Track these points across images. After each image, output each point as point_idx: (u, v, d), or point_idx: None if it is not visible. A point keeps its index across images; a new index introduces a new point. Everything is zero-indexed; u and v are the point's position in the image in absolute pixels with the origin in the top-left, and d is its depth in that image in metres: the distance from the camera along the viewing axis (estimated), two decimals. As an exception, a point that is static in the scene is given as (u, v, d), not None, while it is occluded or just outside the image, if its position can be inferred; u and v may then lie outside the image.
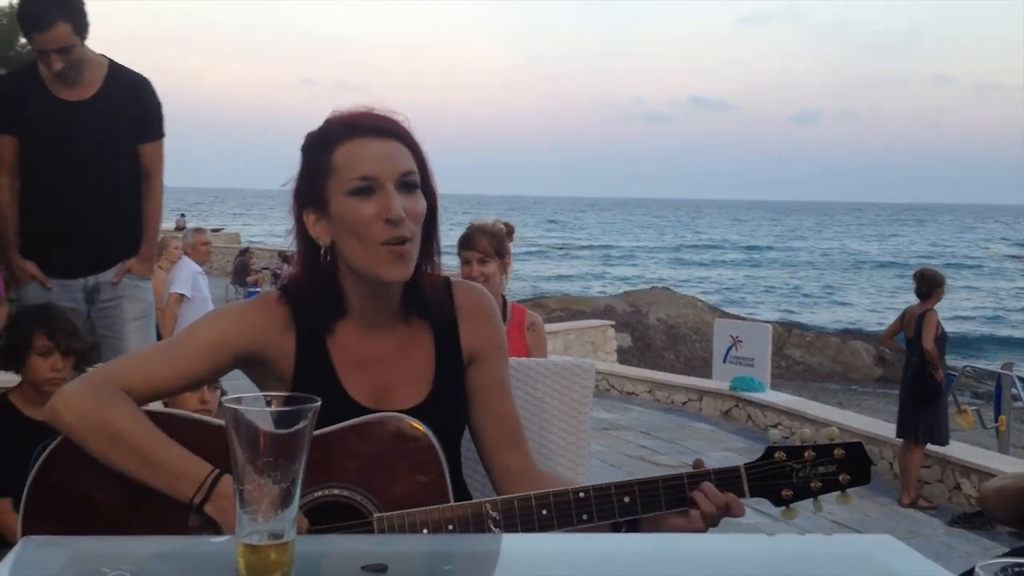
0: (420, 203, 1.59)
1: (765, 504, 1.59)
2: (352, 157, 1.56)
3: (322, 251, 1.60)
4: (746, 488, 1.55)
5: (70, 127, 3.58)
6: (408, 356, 1.68)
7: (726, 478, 1.55)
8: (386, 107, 1.63)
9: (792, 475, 1.55)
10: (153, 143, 3.77)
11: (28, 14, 3.46)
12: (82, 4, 3.50)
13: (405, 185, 1.57)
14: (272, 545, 1.01)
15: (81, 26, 3.49)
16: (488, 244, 3.62)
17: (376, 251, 1.55)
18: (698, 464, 1.59)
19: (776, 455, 1.56)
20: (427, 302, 1.67)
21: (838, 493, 1.56)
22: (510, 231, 3.81)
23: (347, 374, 1.64)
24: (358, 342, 1.66)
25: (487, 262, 3.61)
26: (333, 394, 1.61)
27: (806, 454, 1.56)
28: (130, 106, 3.67)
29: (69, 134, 3.58)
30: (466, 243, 3.67)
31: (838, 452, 1.56)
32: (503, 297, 3.72)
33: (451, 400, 1.69)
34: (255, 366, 1.66)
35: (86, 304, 3.71)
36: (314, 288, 1.62)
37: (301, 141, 1.65)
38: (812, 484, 1.55)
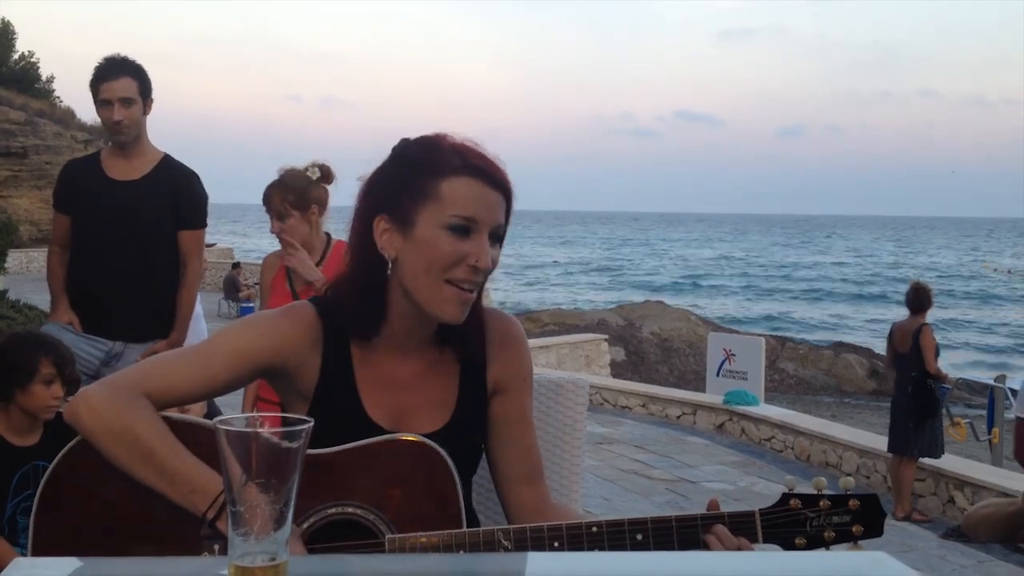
0: (498, 255, 1.58)
1: None
2: (461, 193, 1.53)
3: (388, 265, 1.57)
4: (760, 534, 1.54)
5: (115, 204, 3.81)
6: (432, 381, 1.66)
7: (740, 522, 1.54)
8: (496, 155, 1.59)
9: (806, 523, 1.54)
10: (193, 232, 3.97)
11: (101, 68, 3.77)
12: (148, 77, 3.84)
13: (494, 236, 1.57)
14: (265, 567, 1.00)
15: (144, 90, 3.82)
16: (280, 201, 3.50)
17: (440, 287, 1.54)
18: (713, 505, 1.57)
19: (791, 502, 1.55)
20: (460, 329, 1.63)
21: (850, 544, 1.55)
22: (326, 174, 3.58)
23: (368, 394, 1.62)
24: (384, 362, 1.64)
25: (285, 218, 3.50)
26: (352, 413, 1.60)
27: (821, 503, 1.55)
28: (175, 193, 3.90)
29: (114, 211, 3.81)
30: (263, 200, 3.57)
31: (853, 503, 1.55)
32: (326, 235, 3.62)
33: (470, 429, 1.67)
34: (278, 378, 1.64)
35: (101, 364, 3.84)
36: (360, 294, 1.59)
37: (395, 142, 1.61)
38: (825, 534, 1.54)
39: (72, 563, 1.31)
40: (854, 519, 1.55)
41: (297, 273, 3.52)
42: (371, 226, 1.57)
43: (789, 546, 1.54)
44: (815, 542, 1.54)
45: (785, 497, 1.56)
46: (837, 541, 1.54)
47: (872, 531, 1.55)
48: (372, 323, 1.61)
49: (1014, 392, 9.23)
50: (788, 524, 1.54)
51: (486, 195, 1.55)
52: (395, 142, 1.64)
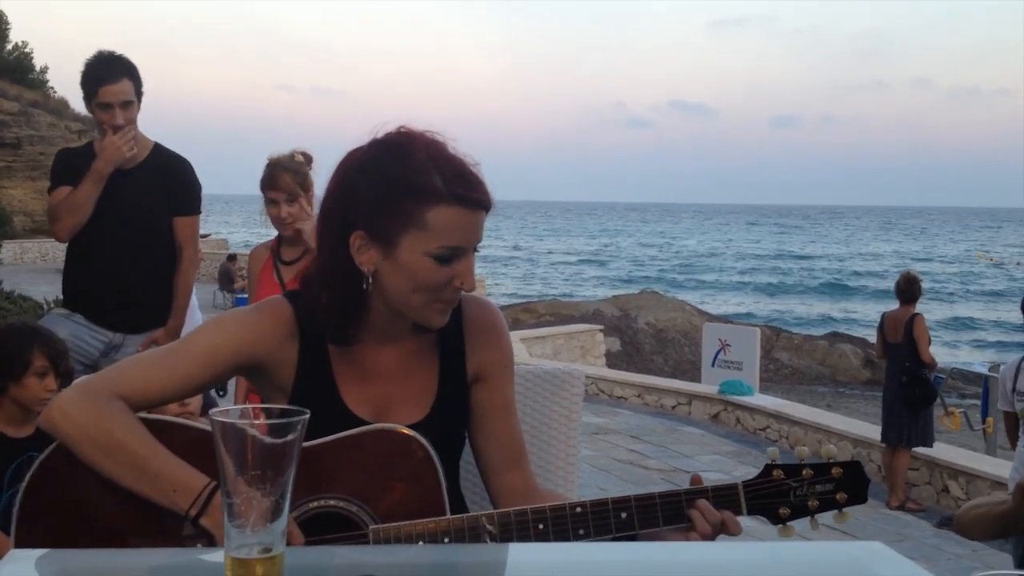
0: (474, 260, 1.58)
1: None
2: (448, 225, 1.50)
3: (366, 280, 1.54)
4: (744, 506, 1.54)
5: (110, 194, 3.81)
6: (411, 371, 1.66)
7: (724, 495, 1.54)
8: (475, 160, 1.56)
9: (790, 493, 1.54)
10: (187, 218, 3.99)
11: (97, 69, 3.75)
12: (139, 73, 3.84)
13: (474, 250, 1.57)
14: (261, 559, 1.00)
15: (139, 90, 3.83)
16: (291, 181, 3.47)
17: (427, 304, 1.55)
18: (696, 480, 1.57)
19: (774, 473, 1.55)
20: None
21: (835, 511, 1.55)
22: (308, 161, 3.59)
23: (347, 386, 1.62)
24: (362, 355, 1.63)
25: (293, 201, 3.47)
26: (332, 406, 1.60)
27: (804, 472, 1.54)
28: (168, 181, 3.93)
29: (109, 199, 3.81)
30: (270, 183, 3.51)
31: (836, 471, 1.55)
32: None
33: (452, 418, 1.67)
34: (256, 374, 1.64)
35: (100, 356, 3.86)
36: (337, 306, 1.57)
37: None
38: (810, 503, 1.54)
39: (68, 555, 1.31)
40: (837, 487, 1.54)
41: (303, 238, 3.49)
42: (347, 240, 1.54)
43: (773, 517, 1.55)
44: (799, 511, 1.54)
45: (768, 468, 1.55)
46: (821, 509, 1.54)
47: (856, 498, 1.55)
48: (351, 331, 1.61)
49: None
50: (771, 495, 1.54)
51: (472, 221, 1.52)
52: (377, 131, 1.58)
